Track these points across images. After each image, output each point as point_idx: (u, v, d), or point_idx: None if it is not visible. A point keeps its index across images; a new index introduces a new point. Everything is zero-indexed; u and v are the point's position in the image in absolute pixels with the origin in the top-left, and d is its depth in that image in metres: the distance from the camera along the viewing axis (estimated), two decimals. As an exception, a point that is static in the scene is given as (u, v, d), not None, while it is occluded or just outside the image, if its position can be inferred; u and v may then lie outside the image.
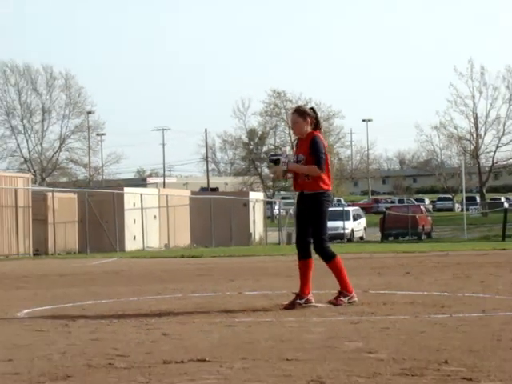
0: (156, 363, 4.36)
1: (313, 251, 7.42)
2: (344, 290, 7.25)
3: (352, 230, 40.36)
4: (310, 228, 7.34)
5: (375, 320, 6.67)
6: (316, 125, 7.47)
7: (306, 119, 7.36)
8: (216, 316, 7.01)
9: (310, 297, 7.26)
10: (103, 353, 4.87)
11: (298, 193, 7.63)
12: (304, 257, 7.33)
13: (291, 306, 7.06)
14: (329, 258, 7.31)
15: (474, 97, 66.24)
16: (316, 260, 7.52)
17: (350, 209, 45.45)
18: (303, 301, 7.12)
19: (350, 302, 7.20)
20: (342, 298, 7.18)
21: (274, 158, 7.47)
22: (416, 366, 4.11)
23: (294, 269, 8.80)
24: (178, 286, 11.13)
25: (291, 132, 7.68)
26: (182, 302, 8.75)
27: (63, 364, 4.44)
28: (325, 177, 7.26)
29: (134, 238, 31.08)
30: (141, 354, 4.74)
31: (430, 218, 44.78)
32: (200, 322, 6.54)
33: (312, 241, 7.33)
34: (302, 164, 7.29)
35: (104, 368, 4.22)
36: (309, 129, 7.36)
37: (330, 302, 7.18)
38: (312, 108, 7.76)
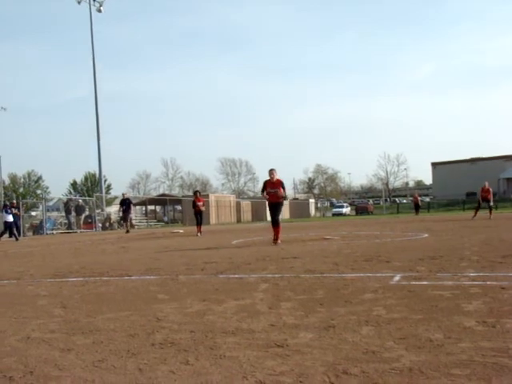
0: (279, 258, 8.93)
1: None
2: (278, 239, 12.96)
3: (346, 211, 72.87)
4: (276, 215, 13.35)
5: (354, 242, 11.87)
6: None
7: (275, 173, 13.17)
8: (296, 242, 12.07)
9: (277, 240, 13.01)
10: (260, 255, 9.64)
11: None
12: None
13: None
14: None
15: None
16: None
17: (345, 204, 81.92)
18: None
19: (279, 243, 12.77)
20: (279, 241, 12.84)
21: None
22: (369, 258, 8.29)
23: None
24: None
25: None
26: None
27: (242, 258, 9.16)
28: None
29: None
30: (274, 255, 9.48)
31: (372, 206, 76.73)
32: (291, 245, 11.52)
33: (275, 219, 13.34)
34: (279, 192, 13.06)
35: (261, 260, 8.74)
36: (276, 177, 13.20)
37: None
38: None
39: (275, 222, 13.27)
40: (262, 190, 13.45)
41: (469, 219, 24.46)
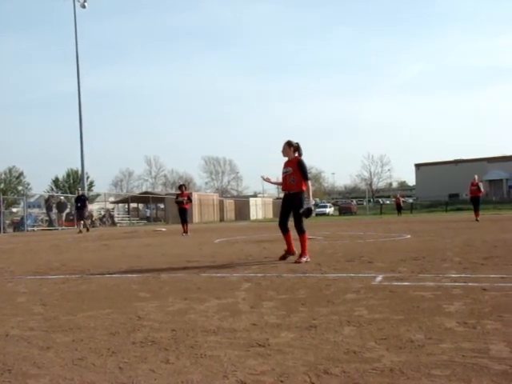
0: (262, 258, 8.92)
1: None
2: (304, 254, 8.29)
3: (329, 212, 73.34)
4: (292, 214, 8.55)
5: (337, 242, 11.53)
6: (298, 152, 8.66)
7: (290, 148, 8.63)
8: (278, 241, 11.95)
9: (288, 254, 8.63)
10: (242, 254, 9.57)
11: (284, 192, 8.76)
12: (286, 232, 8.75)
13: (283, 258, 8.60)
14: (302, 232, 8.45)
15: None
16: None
17: (328, 204, 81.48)
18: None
19: (306, 261, 8.10)
20: (302, 258, 8.19)
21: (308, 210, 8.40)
22: (352, 258, 8.33)
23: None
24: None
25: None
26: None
27: (225, 257, 9.13)
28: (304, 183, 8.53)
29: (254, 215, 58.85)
30: (256, 255, 9.36)
31: (355, 207, 75.66)
32: (274, 245, 11.46)
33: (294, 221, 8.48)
34: (288, 174, 8.52)
35: (244, 260, 8.70)
36: (294, 154, 8.66)
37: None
38: (297, 142, 8.66)
39: (297, 229, 8.49)
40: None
41: (452, 221, 24.66)
